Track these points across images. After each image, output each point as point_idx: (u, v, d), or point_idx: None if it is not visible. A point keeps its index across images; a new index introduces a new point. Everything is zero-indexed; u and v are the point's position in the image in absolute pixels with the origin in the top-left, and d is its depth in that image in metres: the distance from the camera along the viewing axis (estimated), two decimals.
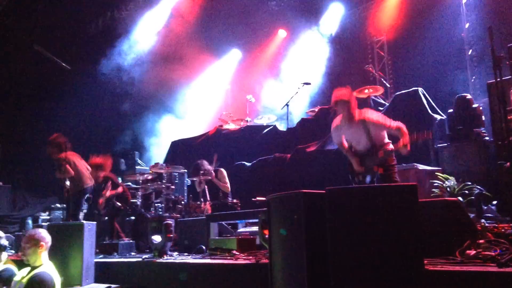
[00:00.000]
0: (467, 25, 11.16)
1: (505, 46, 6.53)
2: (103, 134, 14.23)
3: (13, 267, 5.23)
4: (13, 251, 7.86)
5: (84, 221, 5.80)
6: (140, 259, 5.77)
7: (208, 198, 8.02)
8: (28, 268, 4.58)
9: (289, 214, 3.37)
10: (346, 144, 5.54)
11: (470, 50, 11.07)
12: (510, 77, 6.28)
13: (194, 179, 8.14)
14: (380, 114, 5.80)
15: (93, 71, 14.03)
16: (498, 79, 4.26)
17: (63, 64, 14.96)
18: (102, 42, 14.52)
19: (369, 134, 5.27)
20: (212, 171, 8.07)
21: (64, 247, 5.49)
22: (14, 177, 13.89)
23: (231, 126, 11.86)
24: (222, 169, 8.31)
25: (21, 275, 4.63)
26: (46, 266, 4.56)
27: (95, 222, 5.86)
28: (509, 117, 5.78)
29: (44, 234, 4.66)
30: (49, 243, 4.68)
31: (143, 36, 14.69)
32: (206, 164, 8.15)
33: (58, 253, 5.26)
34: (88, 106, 14.04)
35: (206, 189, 8.09)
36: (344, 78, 12.23)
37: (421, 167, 6.69)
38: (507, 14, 9.92)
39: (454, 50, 11.16)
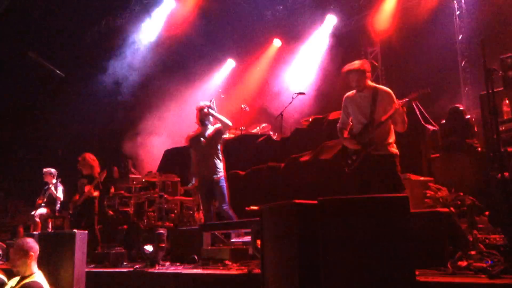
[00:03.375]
0: (460, 37, 11.27)
1: (498, 57, 6.60)
2: (97, 141, 14.16)
3: (2, 276, 5.17)
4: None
5: (76, 230, 5.75)
6: (131, 269, 5.73)
7: (201, 207, 7.99)
8: (18, 278, 4.54)
9: (282, 224, 3.37)
10: (349, 124, 5.45)
11: (463, 61, 11.17)
12: (502, 88, 6.35)
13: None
14: None
15: (87, 79, 13.99)
16: (490, 91, 4.29)
17: (57, 72, 14.91)
18: (97, 50, 14.49)
19: (374, 105, 5.17)
20: None
21: (55, 256, 5.41)
22: (6, 184, 13.79)
23: (225, 135, 11.83)
24: None
25: (10, 285, 4.58)
26: (36, 275, 4.52)
27: (86, 231, 5.81)
28: (501, 129, 5.82)
29: (32, 244, 4.62)
30: (38, 252, 4.64)
31: (138, 45, 14.69)
32: None
33: (49, 263, 5.20)
34: (81, 114, 13.98)
35: (199, 197, 8.05)
36: (338, 88, 12.27)
37: (414, 177, 6.69)
38: (499, 26, 10.02)
39: (447, 61, 11.26)
